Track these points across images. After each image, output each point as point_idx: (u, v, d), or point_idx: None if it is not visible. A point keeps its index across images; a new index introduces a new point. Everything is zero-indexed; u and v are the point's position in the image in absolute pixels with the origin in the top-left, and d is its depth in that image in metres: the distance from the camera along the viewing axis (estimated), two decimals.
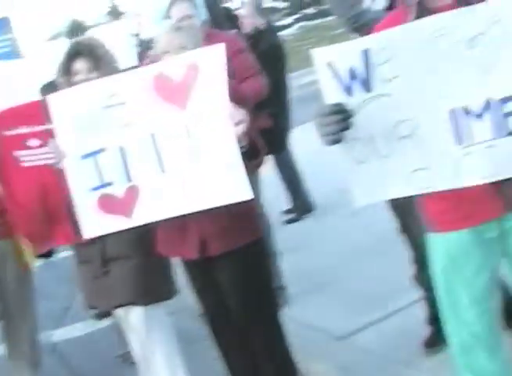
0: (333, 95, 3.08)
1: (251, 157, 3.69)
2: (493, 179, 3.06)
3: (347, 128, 3.04)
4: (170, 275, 4.48)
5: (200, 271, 4.12)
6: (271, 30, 8.53)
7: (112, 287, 4.31)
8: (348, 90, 3.07)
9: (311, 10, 48.29)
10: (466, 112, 3.01)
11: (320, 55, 3.07)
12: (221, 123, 3.56)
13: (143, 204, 3.82)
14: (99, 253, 4.30)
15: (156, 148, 3.73)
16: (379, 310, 5.41)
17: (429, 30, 2.97)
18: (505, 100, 2.96)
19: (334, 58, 3.06)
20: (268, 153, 6.65)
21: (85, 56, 4.27)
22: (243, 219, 3.87)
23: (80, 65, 4.26)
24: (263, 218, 5.95)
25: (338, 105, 3.04)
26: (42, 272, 8.39)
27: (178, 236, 3.99)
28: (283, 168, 8.63)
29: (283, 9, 49.91)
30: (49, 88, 6.05)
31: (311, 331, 5.24)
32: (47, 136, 4.06)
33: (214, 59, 3.60)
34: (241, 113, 3.53)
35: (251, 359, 4.25)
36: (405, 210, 4.65)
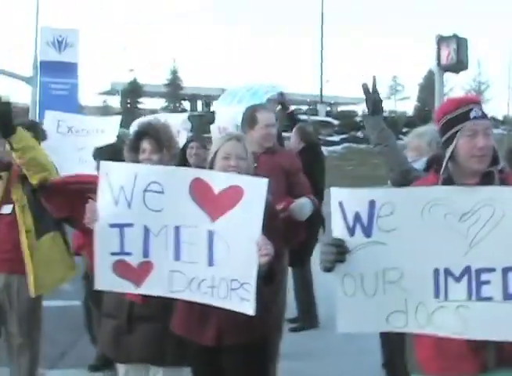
0: (338, 230, 3.50)
1: (267, 278, 4.03)
2: (462, 337, 3.47)
3: (341, 261, 3.46)
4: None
5: (207, 357, 4.36)
6: (314, 148, 9.06)
7: (134, 343, 4.59)
8: (351, 230, 3.49)
9: (359, 134, 49.25)
10: (448, 273, 3.45)
11: (336, 193, 3.52)
12: (246, 248, 3.92)
13: (153, 279, 4.24)
14: (126, 310, 4.61)
15: (177, 238, 4.16)
16: None
17: (429, 197, 3.43)
18: (482, 271, 3.41)
19: (346, 199, 3.50)
20: (290, 265, 7.04)
21: (151, 137, 4.67)
22: (258, 318, 4.02)
23: (145, 145, 4.67)
24: (280, 322, 6.30)
25: (339, 240, 3.48)
26: (52, 315, 8.85)
27: (196, 322, 4.29)
28: (300, 281, 8.96)
29: (335, 125, 50.90)
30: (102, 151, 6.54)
31: None
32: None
33: (257, 190, 3.95)
34: (269, 247, 3.88)
35: None
36: (392, 348, 5.00)
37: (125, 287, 4.32)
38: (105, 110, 57.03)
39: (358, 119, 56.35)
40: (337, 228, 3.51)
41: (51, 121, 8.18)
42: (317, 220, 8.24)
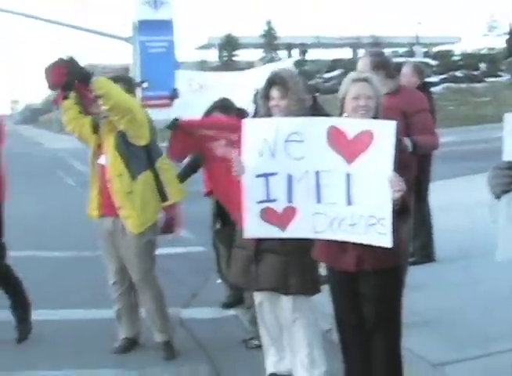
0: (510, 154, 3.60)
1: (401, 212, 4.35)
2: None
3: None
4: (315, 274, 5.13)
5: (346, 280, 4.65)
6: (427, 87, 9.24)
7: (261, 272, 5.06)
8: None
9: (458, 73, 48.56)
10: None
11: (510, 118, 3.61)
12: (381, 185, 4.25)
13: (298, 222, 4.66)
14: (255, 243, 5.04)
15: (317, 182, 4.53)
16: (474, 350, 5.83)
17: None
18: None
19: None
20: None
21: (278, 84, 5.04)
22: (394, 247, 4.37)
23: (274, 92, 5.04)
24: (407, 252, 6.58)
25: None
26: (176, 261, 9.39)
27: (337, 250, 4.59)
28: (418, 215, 9.07)
29: (433, 66, 50.25)
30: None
31: (412, 356, 5.64)
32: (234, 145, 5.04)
33: (387, 132, 4.27)
34: (401, 184, 4.21)
35: (368, 364, 4.78)
36: None
37: (272, 232, 4.77)
38: (202, 65, 57.59)
39: (455, 58, 55.59)
40: (510, 152, 3.59)
41: (183, 80, 8.72)
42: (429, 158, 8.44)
